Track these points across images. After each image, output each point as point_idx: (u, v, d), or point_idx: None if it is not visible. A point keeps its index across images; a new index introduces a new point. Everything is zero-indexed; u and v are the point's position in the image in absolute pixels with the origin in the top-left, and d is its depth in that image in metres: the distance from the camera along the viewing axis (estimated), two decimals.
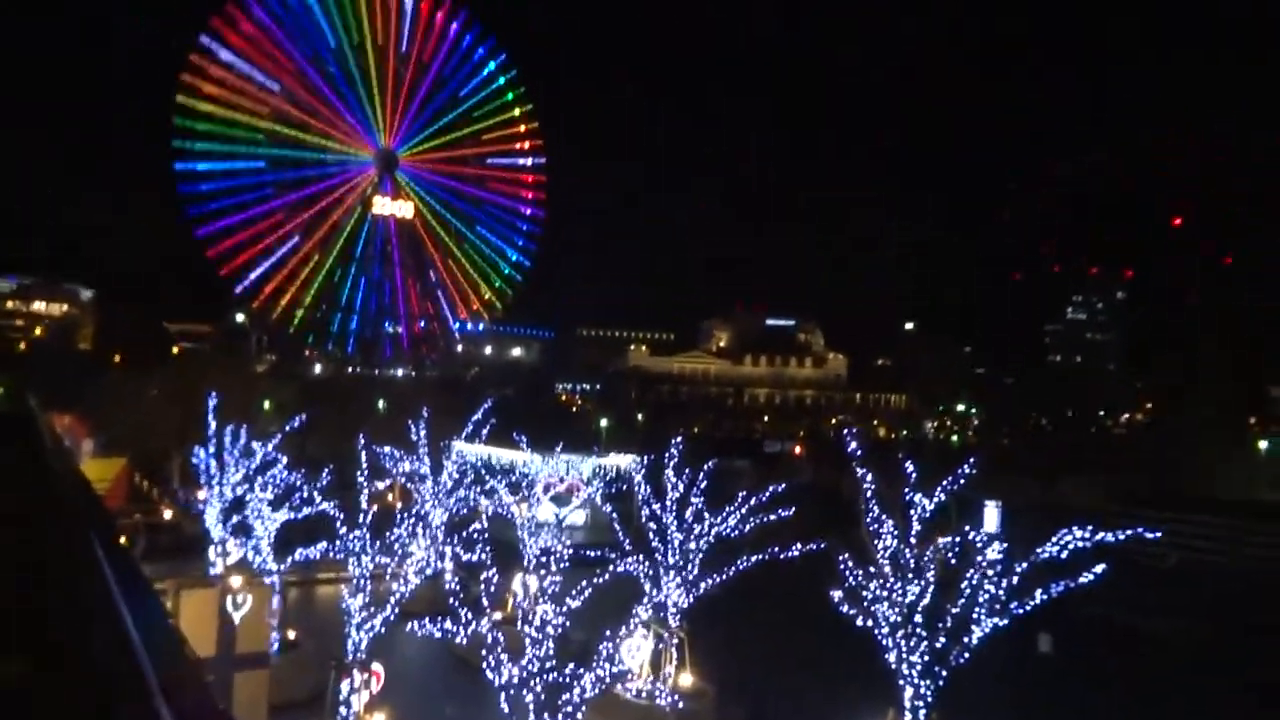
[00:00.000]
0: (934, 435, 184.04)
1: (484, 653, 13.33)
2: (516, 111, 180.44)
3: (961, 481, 16.15)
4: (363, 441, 21.26)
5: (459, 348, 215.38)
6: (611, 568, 18.72)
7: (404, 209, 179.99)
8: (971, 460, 16.65)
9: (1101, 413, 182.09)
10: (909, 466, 16.25)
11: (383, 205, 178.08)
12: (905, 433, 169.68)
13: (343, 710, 16.90)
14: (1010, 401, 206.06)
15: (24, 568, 8.18)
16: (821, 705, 19.33)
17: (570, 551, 21.62)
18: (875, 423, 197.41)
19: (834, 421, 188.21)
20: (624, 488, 31.63)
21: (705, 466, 23.35)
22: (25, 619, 6.54)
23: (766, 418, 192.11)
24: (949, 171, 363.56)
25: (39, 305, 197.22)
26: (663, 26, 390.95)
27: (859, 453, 16.80)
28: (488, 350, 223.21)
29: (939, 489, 16.02)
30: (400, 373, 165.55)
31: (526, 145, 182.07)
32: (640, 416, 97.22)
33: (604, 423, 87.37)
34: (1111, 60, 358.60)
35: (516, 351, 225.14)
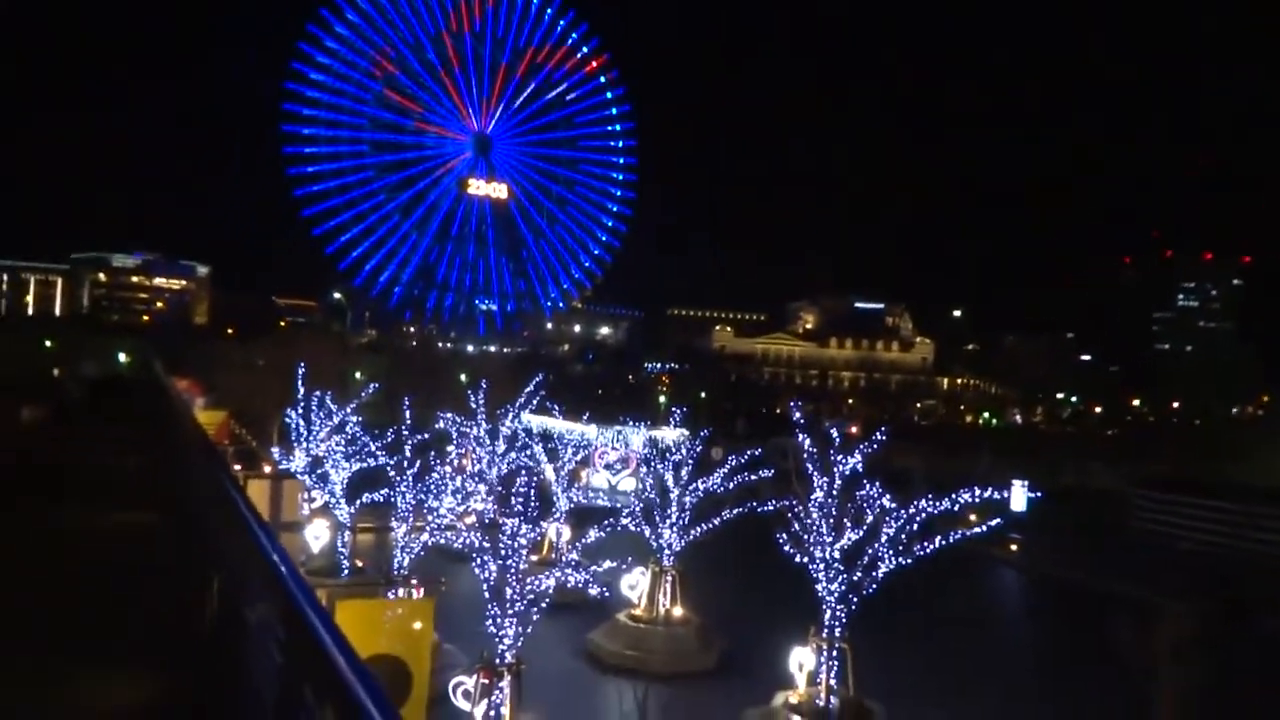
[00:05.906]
0: (1023, 421, 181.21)
1: (473, 555, 17.37)
2: (608, 95, 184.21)
3: (873, 450, 19.52)
4: (406, 406, 25.68)
5: (549, 325, 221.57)
6: (613, 518, 22.93)
7: (498, 190, 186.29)
8: (884, 430, 19.93)
9: (1213, 404, 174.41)
10: (834, 434, 19.63)
11: (478, 187, 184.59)
12: (987, 417, 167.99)
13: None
14: (1113, 389, 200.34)
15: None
16: (771, 627, 22.98)
17: (593, 505, 25.78)
18: (962, 408, 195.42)
19: (918, 406, 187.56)
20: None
21: (701, 435, 27.09)
22: None
23: (850, 400, 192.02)
24: (1053, 156, 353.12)
25: (160, 280, 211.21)
26: (757, 12, 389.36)
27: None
28: (577, 328, 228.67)
29: (854, 455, 19.37)
30: (493, 349, 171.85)
31: (618, 128, 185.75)
32: (703, 395, 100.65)
33: (662, 399, 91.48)
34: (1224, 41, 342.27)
35: (605, 330, 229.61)
